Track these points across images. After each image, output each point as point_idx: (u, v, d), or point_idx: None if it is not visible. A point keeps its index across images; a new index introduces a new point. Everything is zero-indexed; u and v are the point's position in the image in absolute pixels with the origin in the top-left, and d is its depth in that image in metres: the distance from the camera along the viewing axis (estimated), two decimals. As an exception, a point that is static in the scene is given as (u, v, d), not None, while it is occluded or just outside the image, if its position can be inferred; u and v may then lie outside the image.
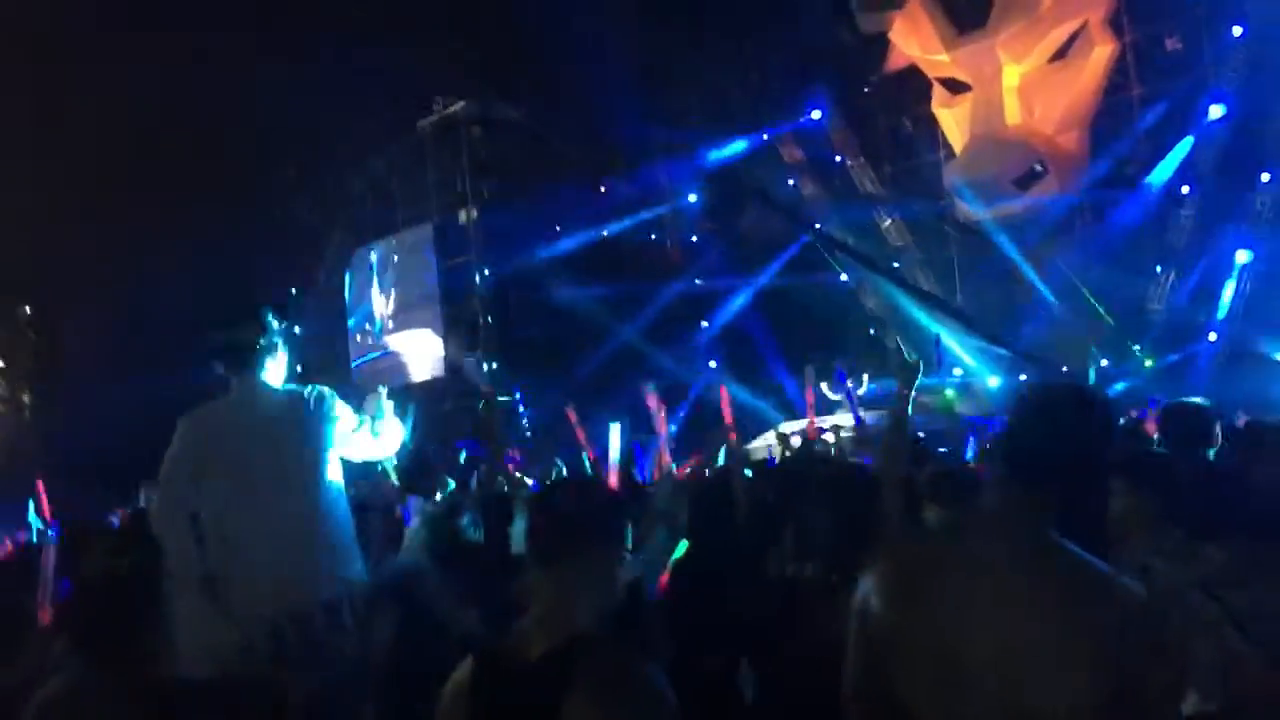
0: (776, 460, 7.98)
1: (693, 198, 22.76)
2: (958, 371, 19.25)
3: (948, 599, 2.11)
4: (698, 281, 22.88)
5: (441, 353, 25.41)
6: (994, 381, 18.60)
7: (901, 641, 2.15)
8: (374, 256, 27.38)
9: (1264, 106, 17.06)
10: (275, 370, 4.03)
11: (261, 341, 3.98)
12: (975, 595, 2.08)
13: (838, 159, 22.20)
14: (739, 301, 21.67)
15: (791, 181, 22.56)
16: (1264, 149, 17.11)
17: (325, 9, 21.53)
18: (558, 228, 23.51)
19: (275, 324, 4.06)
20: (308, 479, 3.86)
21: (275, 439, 3.85)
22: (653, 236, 24.83)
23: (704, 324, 22.54)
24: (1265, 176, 16.93)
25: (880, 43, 21.18)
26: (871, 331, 21.33)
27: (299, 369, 4.18)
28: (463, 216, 25.02)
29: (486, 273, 24.81)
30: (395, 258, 26.93)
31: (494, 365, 24.08)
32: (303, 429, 3.92)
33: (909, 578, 2.20)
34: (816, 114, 21.94)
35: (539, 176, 23.39)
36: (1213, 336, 17.63)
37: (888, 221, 21.72)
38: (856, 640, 2.22)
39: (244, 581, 3.63)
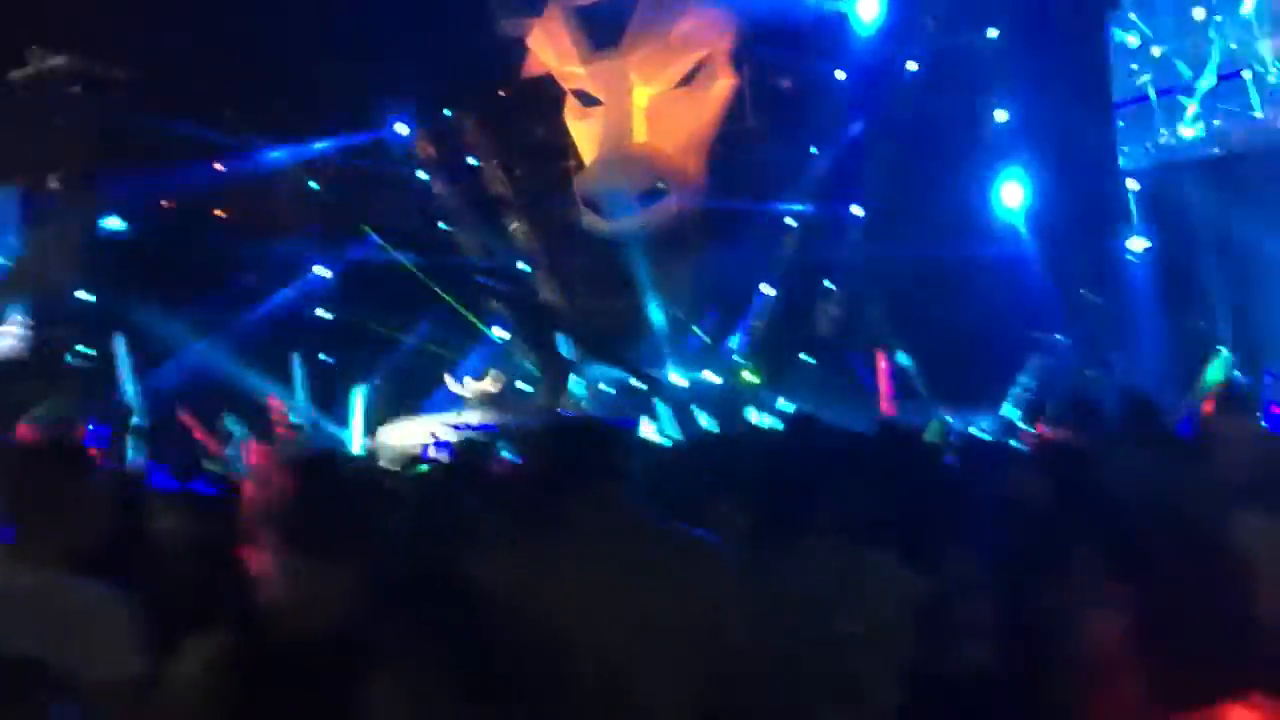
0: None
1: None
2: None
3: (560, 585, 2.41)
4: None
5: None
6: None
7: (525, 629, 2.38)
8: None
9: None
10: None
11: None
12: (582, 577, 2.41)
13: (469, 160, 22.01)
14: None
15: (423, 175, 22.09)
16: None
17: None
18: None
19: None
20: None
21: None
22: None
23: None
24: None
25: (519, 47, 21.18)
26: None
27: None
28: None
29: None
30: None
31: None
32: None
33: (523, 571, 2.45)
34: (448, 111, 21.67)
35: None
36: None
37: (515, 225, 21.84)
38: None
39: None
